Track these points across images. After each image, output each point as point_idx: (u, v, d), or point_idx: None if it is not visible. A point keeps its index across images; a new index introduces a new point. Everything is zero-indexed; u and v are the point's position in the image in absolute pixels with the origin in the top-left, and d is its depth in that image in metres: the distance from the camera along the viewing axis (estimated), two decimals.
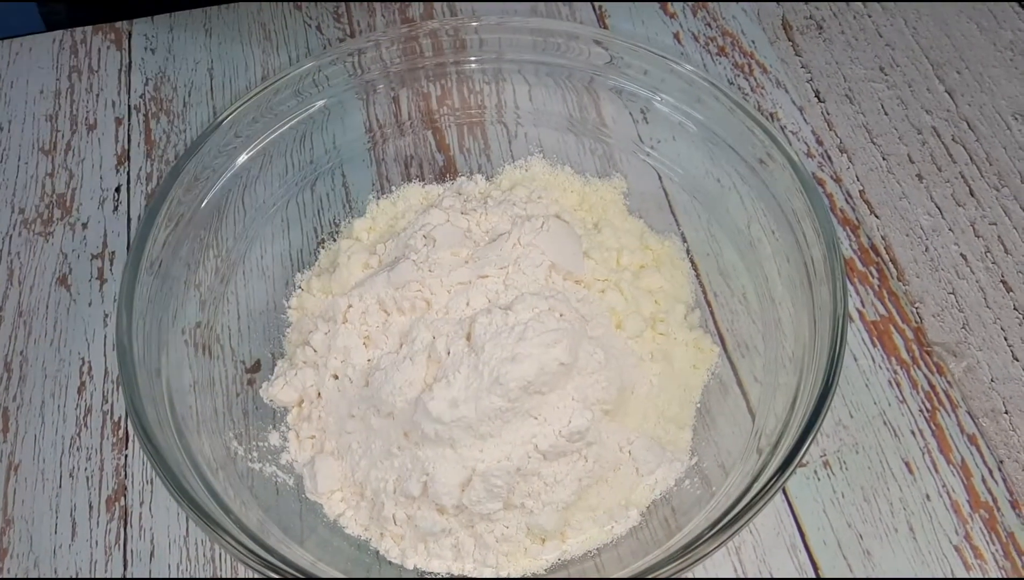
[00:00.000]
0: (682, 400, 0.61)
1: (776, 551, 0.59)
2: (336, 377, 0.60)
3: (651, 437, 0.59)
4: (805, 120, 0.78)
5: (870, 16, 0.85)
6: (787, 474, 0.50)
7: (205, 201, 0.63)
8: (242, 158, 0.66)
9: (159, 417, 0.53)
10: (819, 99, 0.80)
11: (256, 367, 0.65)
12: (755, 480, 0.52)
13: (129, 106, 0.81)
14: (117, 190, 0.76)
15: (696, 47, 0.83)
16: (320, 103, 0.69)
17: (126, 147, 0.78)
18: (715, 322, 0.66)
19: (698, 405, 0.62)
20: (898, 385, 0.65)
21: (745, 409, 0.62)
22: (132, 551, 0.60)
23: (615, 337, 0.60)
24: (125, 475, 0.63)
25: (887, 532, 0.59)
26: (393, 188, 0.72)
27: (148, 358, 0.56)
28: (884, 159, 0.76)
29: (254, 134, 0.66)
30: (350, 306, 0.61)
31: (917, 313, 0.68)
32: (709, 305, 0.67)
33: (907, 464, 0.62)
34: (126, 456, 0.63)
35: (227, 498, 0.52)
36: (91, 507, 0.61)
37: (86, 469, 0.63)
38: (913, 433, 0.63)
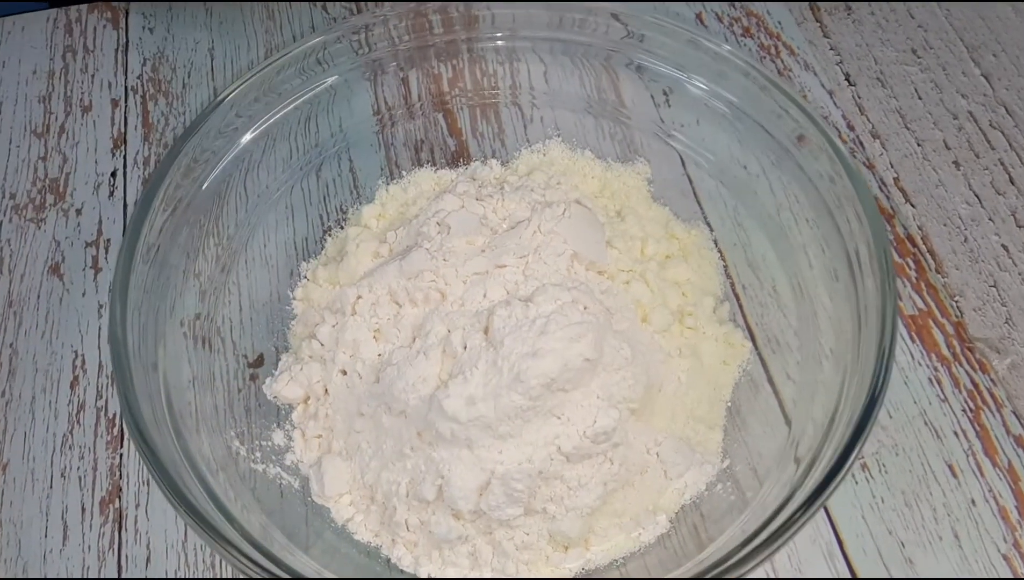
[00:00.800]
0: (712, 399, 0.57)
1: (812, 559, 0.55)
2: (344, 373, 0.56)
3: (680, 438, 0.55)
4: (835, 104, 0.75)
5: None
6: (830, 490, 0.46)
7: (205, 185, 0.60)
8: (244, 140, 0.62)
9: (155, 415, 0.50)
10: (849, 82, 0.76)
11: (259, 362, 0.62)
12: (794, 493, 0.48)
13: (126, 87, 0.77)
14: (113, 175, 0.72)
15: (720, 28, 0.79)
16: (326, 83, 0.65)
17: (122, 130, 0.75)
18: (744, 316, 0.62)
19: (729, 404, 0.58)
20: (939, 383, 0.61)
21: (778, 409, 0.58)
22: (127, 556, 0.56)
23: (641, 331, 0.57)
24: (120, 475, 0.59)
25: (930, 540, 0.55)
26: (403, 173, 0.68)
27: (144, 351, 0.52)
28: (919, 145, 0.72)
29: (256, 114, 0.62)
30: (359, 297, 0.57)
31: (957, 307, 0.64)
32: (737, 298, 0.63)
33: (950, 467, 0.58)
34: (121, 455, 0.60)
35: (227, 502, 0.49)
36: (84, 509, 0.58)
37: (79, 469, 0.59)
38: (956, 434, 0.59)
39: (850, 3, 0.81)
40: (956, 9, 0.80)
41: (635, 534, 0.53)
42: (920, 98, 0.75)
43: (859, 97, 0.75)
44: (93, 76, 0.78)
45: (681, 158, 0.68)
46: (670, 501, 0.54)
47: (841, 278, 0.56)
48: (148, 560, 0.56)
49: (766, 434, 0.57)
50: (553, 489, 0.51)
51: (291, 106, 0.64)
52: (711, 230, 0.65)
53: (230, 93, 0.60)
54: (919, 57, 0.77)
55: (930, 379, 0.61)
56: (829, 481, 0.46)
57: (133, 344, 0.51)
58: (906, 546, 0.55)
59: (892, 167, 0.71)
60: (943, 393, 0.61)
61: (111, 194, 0.71)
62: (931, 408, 0.60)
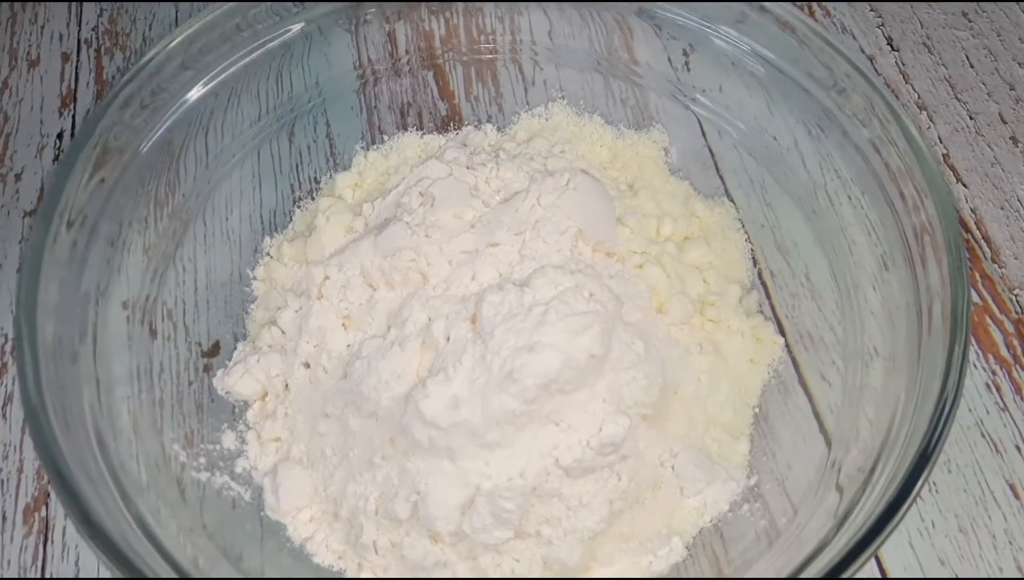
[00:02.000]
0: (737, 403, 0.50)
1: None
2: (308, 366, 0.49)
3: (699, 449, 0.47)
4: (876, 71, 0.66)
5: None
6: (884, 536, 0.38)
7: (151, 142, 0.51)
8: (197, 91, 0.53)
9: (67, 413, 0.41)
10: (892, 47, 0.68)
11: (214, 350, 0.54)
12: (837, 532, 0.40)
13: (79, 40, 0.69)
14: (59, 137, 0.64)
15: None
16: (298, 27, 0.56)
17: (72, 87, 0.67)
18: (772, 308, 0.54)
19: (756, 410, 0.50)
20: (998, 389, 0.53)
21: (812, 418, 0.50)
22: (52, 574, 0.49)
23: (656, 323, 0.49)
24: (48, 480, 0.51)
25: (989, 572, 0.48)
26: (385, 138, 0.60)
27: (62, 337, 0.44)
28: (971, 118, 0.64)
29: (215, 61, 0.53)
30: (327, 278, 0.49)
31: (1017, 302, 0.56)
32: (765, 286, 0.55)
33: (1012, 487, 0.50)
34: None
35: (154, 523, 0.40)
36: (4, 518, 0.51)
37: (2, 470, 0.52)
38: (1018, 447, 0.51)
39: None
40: None
41: (645, 562, 0.45)
42: (972, 66, 0.67)
43: (903, 64, 0.67)
44: (43, 27, 0.70)
45: (701, 125, 0.60)
46: (686, 523, 0.47)
47: (895, 265, 0.47)
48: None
49: (798, 447, 0.50)
50: (549, 509, 0.44)
51: (258, 52, 0.55)
52: (736, 208, 0.57)
53: (183, 33, 0.51)
54: (970, 21, 0.69)
55: (988, 384, 0.53)
56: (885, 522, 0.38)
57: (46, 329, 0.42)
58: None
59: (941, 142, 0.63)
60: (1002, 401, 0.53)
61: (56, 158, 0.63)
62: (989, 418, 0.52)
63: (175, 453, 0.47)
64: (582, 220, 0.48)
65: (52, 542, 0.50)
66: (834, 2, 0.70)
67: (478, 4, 0.62)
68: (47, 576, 0.48)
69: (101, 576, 0.48)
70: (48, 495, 0.51)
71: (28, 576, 0.48)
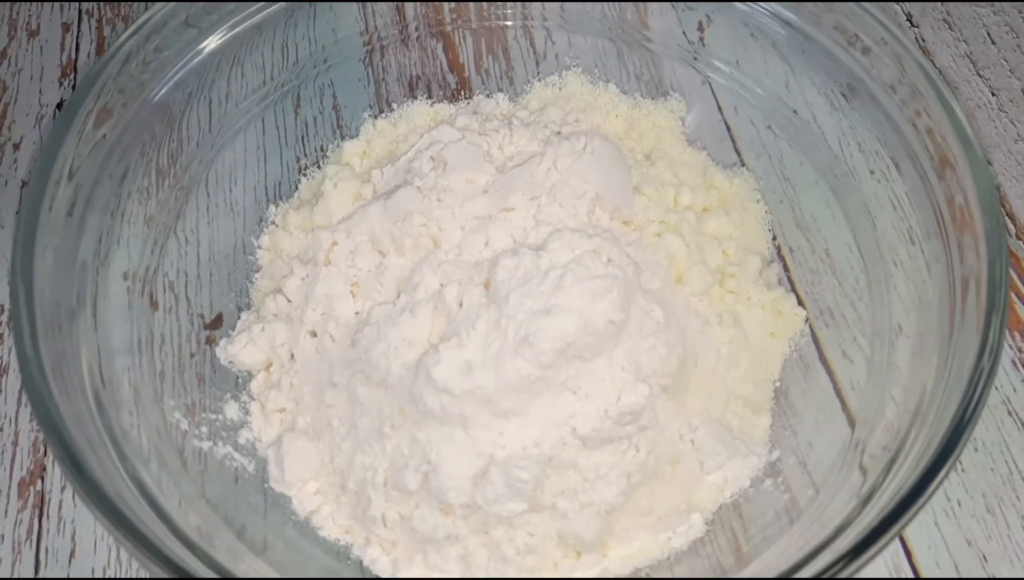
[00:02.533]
0: (757, 377, 0.48)
1: (873, 572, 0.46)
2: (314, 334, 0.47)
3: (719, 423, 0.46)
4: None
5: None
6: (912, 514, 0.36)
7: (151, 103, 0.49)
8: (198, 55, 0.51)
9: (67, 381, 0.39)
10: (912, 24, 0.66)
11: (217, 322, 0.52)
12: (862, 511, 0.39)
13: (80, 10, 0.68)
14: (59, 107, 0.63)
15: None
16: None
17: (73, 57, 0.65)
18: (792, 284, 0.53)
19: (777, 384, 0.49)
20: None
21: (833, 395, 0.49)
22: (47, 549, 0.47)
23: (675, 293, 0.47)
24: (44, 453, 0.50)
25: (1018, 553, 0.46)
26: (394, 107, 0.58)
27: (61, 305, 0.42)
28: (994, 95, 0.63)
29: (219, 21, 0.51)
30: (335, 244, 0.48)
31: None
32: (784, 261, 0.54)
33: None
34: None
35: (157, 491, 0.39)
36: None
37: None
38: None
39: None
40: None
41: (663, 537, 0.44)
42: (994, 43, 0.65)
43: (923, 40, 0.65)
44: None
45: (717, 97, 0.58)
46: (706, 499, 0.45)
47: (924, 239, 0.46)
48: (72, 555, 0.47)
49: (819, 424, 0.48)
50: (565, 480, 0.42)
51: (262, 15, 0.53)
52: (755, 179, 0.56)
53: None
54: None
55: (1014, 362, 0.52)
56: (913, 499, 0.37)
57: (44, 296, 0.41)
58: (988, 560, 0.46)
59: (967, 119, 0.61)
60: None
61: None
62: (1016, 396, 0.51)
63: (176, 421, 0.45)
64: (599, 185, 0.47)
65: (48, 516, 0.48)
66: None
67: None
68: (42, 550, 0.47)
69: (97, 551, 0.47)
70: (44, 469, 0.49)
71: (23, 550, 0.47)
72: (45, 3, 0.68)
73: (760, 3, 0.53)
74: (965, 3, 0.67)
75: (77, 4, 0.68)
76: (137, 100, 0.48)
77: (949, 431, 0.37)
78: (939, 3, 0.67)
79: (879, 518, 0.37)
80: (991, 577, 0.45)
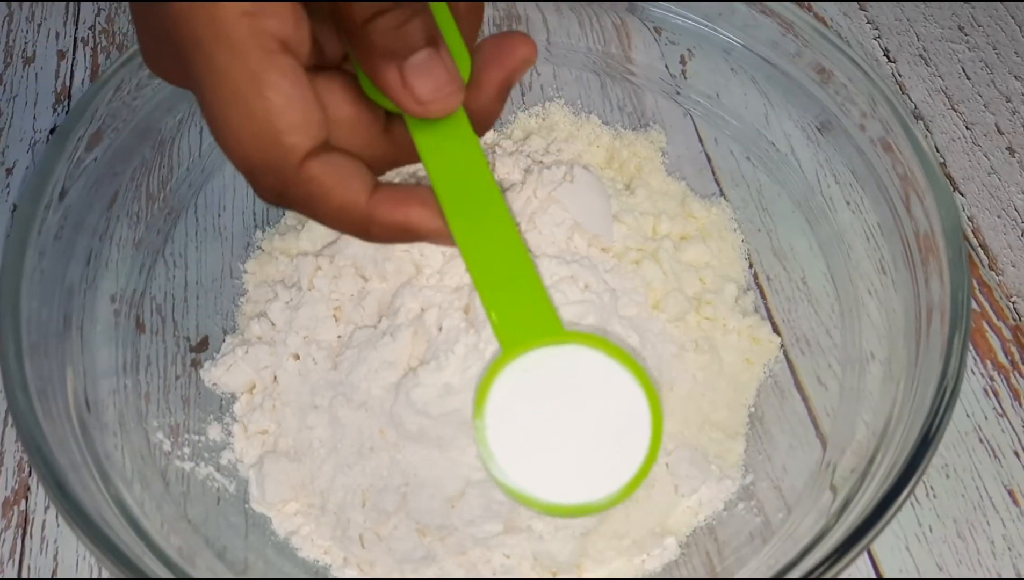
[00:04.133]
0: (732, 402, 0.49)
1: None
2: (297, 357, 0.48)
3: (694, 447, 0.46)
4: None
5: None
6: (875, 532, 0.37)
7: (141, 130, 0.50)
8: None
9: (53, 402, 0.40)
10: (889, 59, 0.68)
11: (203, 345, 0.53)
12: (830, 530, 0.40)
13: (75, 38, 0.69)
14: (52, 132, 0.63)
15: None
16: None
17: (67, 84, 0.66)
18: (769, 311, 0.54)
19: (751, 409, 0.50)
20: (996, 394, 0.52)
21: (808, 420, 0.50)
22: (30, 567, 0.47)
23: (652, 319, 0.48)
24: (29, 473, 0.50)
25: (988, 577, 0.46)
26: None
27: (47, 327, 0.43)
28: (968, 129, 0.64)
29: None
30: (319, 269, 0.48)
31: (1015, 309, 0.56)
32: (760, 289, 0.55)
33: (1011, 492, 0.49)
34: None
35: (139, 513, 0.39)
36: None
37: None
38: (1017, 454, 0.51)
39: None
40: None
41: (638, 560, 0.44)
42: (968, 78, 0.67)
43: (900, 75, 0.67)
44: (39, 25, 0.70)
45: (697, 128, 0.59)
46: (681, 522, 0.45)
47: (894, 269, 0.47)
48: (54, 573, 0.47)
49: (794, 448, 0.49)
50: None
51: None
52: (732, 209, 0.57)
53: None
54: (966, 35, 0.69)
55: (985, 390, 0.53)
56: (876, 518, 0.37)
57: (31, 318, 0.41)
58: None
59: (938, 152, 0.63)
60: (1000, 406, 0.52)
61: None
62: (987, 423, 0.52)
63: (159, 442, 0.46)
64: (579, 213, 0.48)
65: (31, 536, 0.48)
66: (825, 1, 0.70)
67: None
68: (25, 570, 0.47)
69: (79, 570, 0.47)
70: (28, 489, 0.50)
71: (4, 571, 0.47)
72: (41, 31, 0.69)
73: (737, 39, 0.54)
74: (942, 41, 0.69)
75: (73, 32, 0.69)
76: (129, 125, 0.49)
77: (913, 450, 0.38)
78: (916, 40, 0.69)
79: (847, 534, 0.37)
80: None
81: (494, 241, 0.32)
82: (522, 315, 0.33)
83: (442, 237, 0.32)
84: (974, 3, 0.71)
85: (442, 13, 0.32)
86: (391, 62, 0.29)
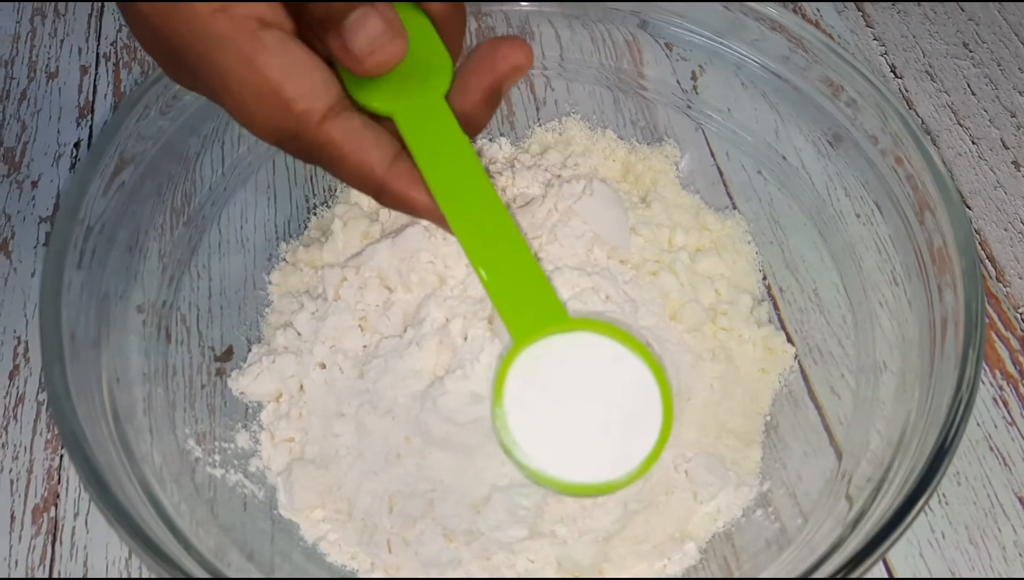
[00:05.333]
0: (748, 411, 0.50)
1: None
2: (324, 366, 0.49)
3: (712, 454, 0.47)
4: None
5: None
6: (891, 542, 0.38)
7: (168, 150, 0.51)
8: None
9: (90, 406, 0.41)
10: (896, 75, 0.69)
11: (228, 354, 0.54)
12: (846, 539, 0.41)
13: (98, 53, 0.70)
14: (76, 146, 0.65)
15: None
16: None
17: (90, 99, 0.67)
18: (782, 322, 0.55)
19: (767, 418, 0.51)
20: (1005, 403, 0.54)
21: (822, 429, 0.51)
22: (60, 573, 0.48)
23: (669, 329, 0.49)
24: (59, 480, 0.51)
25: None
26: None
27: (85, 335, 0.44)
28: (974, 143, 0.65)
29: None
30: (344, 280, 0.49)
31: (1022, 319, 0.57)
32: (774, 301, 0.56)
33: (1021, 499, 0.50)
34: (62, 457, 0.52)
35: (176, 516, 0.40)
36: (13, 518, 0.50)
37: (12, 471, 0.51)
38: None
39: None
40: (1010, 3, 0.74)
41: (659, 565, 0.45)
42: (974, 94, 0.68)
43: (907, 91, 0.68)
44: (63, 41, 0.71)
45: (710, 142, 0.61)
46: (700, 528, 0.46)
47: (907, 280, 0.48)
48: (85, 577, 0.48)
49: (808, 456, 0.50)
50: (564, 508, 0.43)
51: None
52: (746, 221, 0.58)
53: None
54: (971, 51, 0.71)
55: (995, 399, 0.54)
56: (892, 528, 0.39)
57: (70, 326, 0.42)
58: None
59: (945, 166, 0.64)
60: (1010, 415, 0.53)
61: (72, 166, 0.64)
62: (997, 432, 0.53)
63: (191, 448, 0.47)
64: (598, 226, 0.49)
65: (61, 542, 0.49)
66: (820, 2, 0.72)
67: (490, 24, 0.63)
68: (55, 576, 0.48)
69: (109, 576, 0.48)
70: (58, 496, 0.51)
71: (36, 576, 0.48)
72: (64, 47, 0.70)
73: (748, 54, 0.55)
74: (947, 58, 0.70)
75: (95, 47, 0.70)
76: (156, 144, 0.50)
77: (929, 461, 0.39)
78: (922, 56, 0.70)
79: (864, 543, 0.38)
80: None
81: (495, 239, 0.34)
82: (529, 305, 0.34)
83: (444, 225, 0.34)
84: (978, 23, 0.72)
85: (418, 19, 0.33)
86: (331, 30, 0.31)
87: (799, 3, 0.73)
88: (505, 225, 0.34)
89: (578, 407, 0.35)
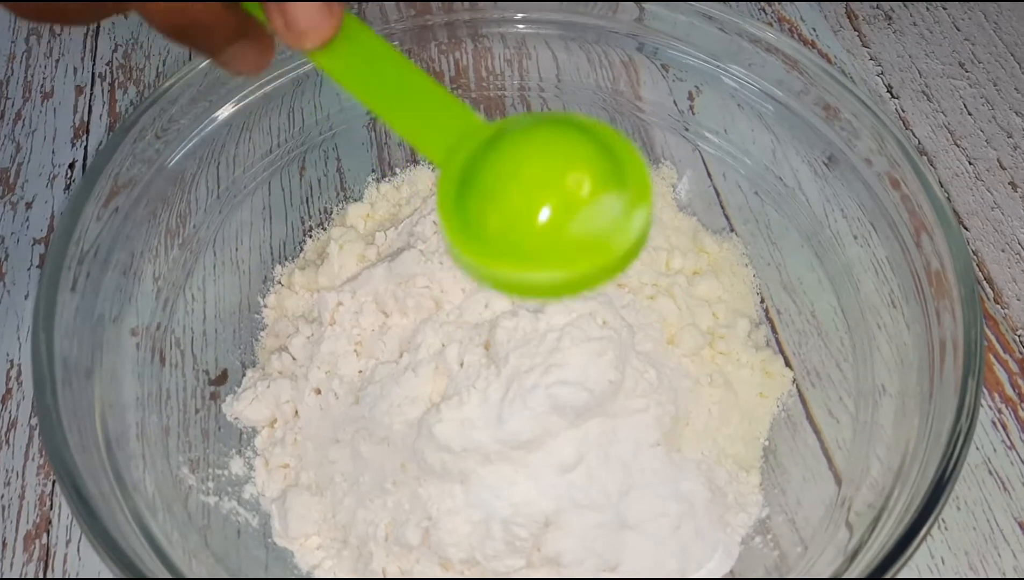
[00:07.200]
0: (747, 436, 0.49)
1: None
2: (319, 392, 0.48)
3: (711, 481, 0.47)
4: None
5: (944, 8, 0.75)
6: (894, 572, 0.38)
7: (163, 173, 0.51)
8: (209, 124, 0.53)
9: (82, 433, 0.41)
10: (892, 95, 0.69)
11: (222, 378, 0.53)
12: (848, 568, 0.40)
13: (93, 74, 0.70)
14: (71, 167, 0.65)
15: None
16: (310, 64, 0.57)
17: (85, 119, 0.67)
18: (779, 345, 0.55)
19: (765, 443, 0.50)
20: (1004, 427, 0.53)
21: (820, 454, 0.50)
22: None
23: (667, 354, 0.49)
24: (51, 506, 0.51)
25: None
26: (397, 171, 0.61)
27: (78, 361, 0.43)
28: (971, 164, 0.65)
29: (229, 93, 0.54)
30: (340, 304, 0.49)
31: (1021, 342, 0.57)
32: (771, 323, 0.56)
33: (1021, 525, 0.50)
34: (54, 483, 0.51)
35: (166, 544, 0.40)
36: (4, 544, 0.49)
37: (3, 496, 0.51)
38: None
39: (891, 11, 0.74)
40: (1005, 23, 0.74)
41: None
42: (970, 114, 0.68)
43: (903, 111, 0.68)
44: (57, 61, 0.71)
45: (707, 164, 0.60)
46: None
47: (905, 303, 0.48)
48: None
49: (807, 482, 0.49)
50: (563, 538, 0.43)
51: (270, 86, 0.56)
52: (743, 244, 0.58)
53: (198, 65, 0.51)
54: (967, 71, 0.71)
55: (994, 422, 0.53)
56: (892, 561, 0.38)
57: (61, 351, 0.42)
58: None
59: (942, 186, 0.64)
60: (1009, 439, 0.53)
61: (67, 187, 0.63)
62: (996, 456, 0.52)
63: (184, 475, 0.47)
64: None
65: (52, 570, 0.49)
66: (811, 1, 0.72)
67: (487, 45, 0.63)
68: None
69: None
70: (49, 522, 0.50)
71: None
72: (59, 67, 0.70)
73: (744, 77, 0.55)
74: (944, 78, 0.70)
75: (90, 67, 0.70)
76: (152, 167, 0.50)
77: (931, 489, 0.39)
78: (918, 76, 0.70)
79: (865, 573, 0.38)
80: None
81: (384, 72, 0.32)
82: (441, 127, 0.31)
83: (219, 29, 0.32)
84: (974, 42, 0.72)
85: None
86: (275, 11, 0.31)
87: (796, 22, 0.73)
88: (395, 59, 0.32)
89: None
